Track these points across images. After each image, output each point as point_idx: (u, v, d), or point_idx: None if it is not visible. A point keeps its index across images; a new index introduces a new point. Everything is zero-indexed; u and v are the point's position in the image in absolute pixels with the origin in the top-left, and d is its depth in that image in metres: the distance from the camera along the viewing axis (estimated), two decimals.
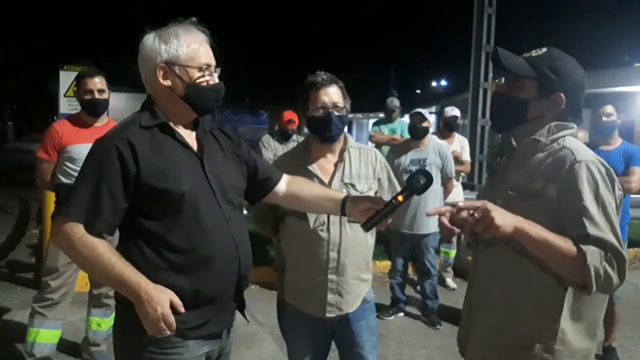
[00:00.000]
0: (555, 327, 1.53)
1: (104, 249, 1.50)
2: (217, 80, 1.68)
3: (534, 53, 1.63)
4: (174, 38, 1.61)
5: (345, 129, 2.29)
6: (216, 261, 1.61)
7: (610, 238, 1.42)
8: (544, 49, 1.63)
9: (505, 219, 1.39)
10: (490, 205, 1.40)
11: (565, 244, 1.41)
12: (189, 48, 1.62)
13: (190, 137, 1.70)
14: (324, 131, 2.19)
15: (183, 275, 1.57)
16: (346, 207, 1.85)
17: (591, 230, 1.42)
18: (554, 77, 1.57)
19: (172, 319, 1.48)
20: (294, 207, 2.04)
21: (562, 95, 1.57)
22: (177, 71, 1.61)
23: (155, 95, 1.66)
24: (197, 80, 1.62)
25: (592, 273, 1.39)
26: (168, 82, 1.62)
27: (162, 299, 1.48)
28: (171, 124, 1.65)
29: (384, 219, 1.76)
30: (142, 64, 1.66)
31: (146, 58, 1.63)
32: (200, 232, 1.59)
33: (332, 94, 2.17)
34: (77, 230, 1.49)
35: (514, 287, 1.60)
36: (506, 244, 1.54)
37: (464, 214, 1.44)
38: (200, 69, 1.63)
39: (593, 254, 1.40)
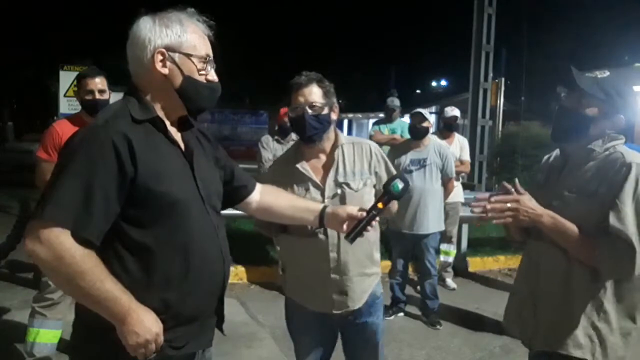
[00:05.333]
0: (600, 307, 1.73)
1: (95, 262, 1.31)
2: (216, 79, 1.55)
3: (599, 74, 1.75)
4: (177, 24, 1.48)
5: (336, 127, 2.23)
6: (205, 276, 1.49)
7: (629, 233, 1.58)
8: (607, 72, 1.75)
9: (538, 206, 1.59)
10: (524, 196, 1.60)
11: (578, 235, 1.63)
12: (192, 35, 1.49)
13: (177, 137, 1.53)
14: (301, 132, 2.16)
15: (170, 291, 1.42)
16: (324, 218, 1.82)
17: (613, 221, 1.60)
18: (620, 101, 1.72)
19: (159, 340, 1.37)
20: (268, 219, 1.95)
21: (622, 117, 1.72)
22: (177, 59, 1.46)
23: (145, 83, 1.48)
24: (198, 72, 1.49)
25: (601, 264, 1.62)
26: (165, 70, 1.46)
27: (149, 322, 1.36)
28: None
29: (366, 228, 1.76)
30: (134, 47, 1.47)
31: (141, 41, 1.45)
32: (191, 244, 1.45)
33: (308, 94, 2.10)
34: (66, 239, 1.28)
35: (568, 276, 1.76)
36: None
37: (498, 205, 1.59)
38: (202, 59, 1.50)
39: (604, 245, 1.59)
